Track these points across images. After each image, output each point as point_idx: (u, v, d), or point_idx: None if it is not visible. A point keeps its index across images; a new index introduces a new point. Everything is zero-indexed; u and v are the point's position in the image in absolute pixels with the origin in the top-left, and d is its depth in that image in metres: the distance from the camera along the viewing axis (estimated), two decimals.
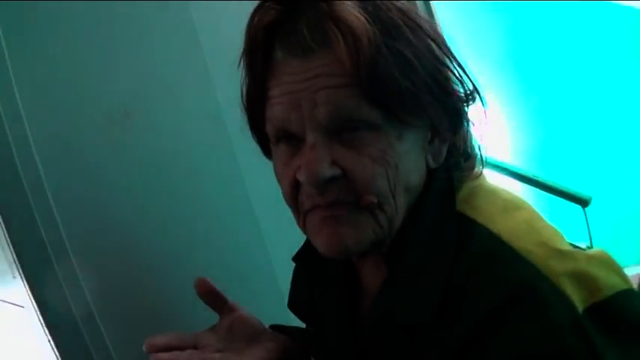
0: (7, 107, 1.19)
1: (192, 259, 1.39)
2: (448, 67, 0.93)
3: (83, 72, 1.28)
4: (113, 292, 1.22)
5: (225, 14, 1.40)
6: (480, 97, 0.99)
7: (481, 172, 1.02)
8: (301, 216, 0.95)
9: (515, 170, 4.32)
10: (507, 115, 4.87)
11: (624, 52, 4.45)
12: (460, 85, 0.95)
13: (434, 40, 0.93)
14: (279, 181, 0.96)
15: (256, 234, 1.52)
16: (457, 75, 0.95)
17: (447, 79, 0.93)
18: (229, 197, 1.50)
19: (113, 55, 1.33)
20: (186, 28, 1.49)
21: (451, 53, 0.95)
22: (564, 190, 4.16)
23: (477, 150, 1.03)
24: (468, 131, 1.00)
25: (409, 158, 0.92)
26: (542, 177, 4.29)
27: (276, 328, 1.20)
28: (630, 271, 4.64)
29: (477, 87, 0.98)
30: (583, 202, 4.11)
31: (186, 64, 1.48)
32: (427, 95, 0.89)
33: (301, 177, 0.89)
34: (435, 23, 2.62)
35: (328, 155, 0.88)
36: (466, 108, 0.97)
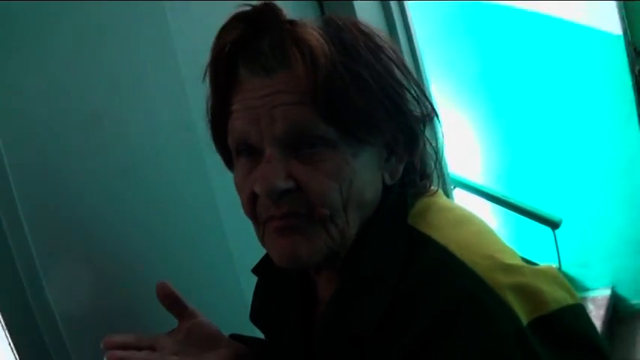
0: None
1: (158, 267, 1.38)
2: (406, 89, 0.97)
3: (55, 77, 1.27)
4: (78, 299, 1.21)
5: (201, 23, 1.41)
6: (437, 118, 1.04)
7: (436, 190, 1.06)
8: (260, 227, 0.99)
9: (485, 190, 4.37)
10: (479, 135, 4.91)
11: (599, 76, 4.50)
12: (417, 106, 0.99)
13: (394, 62, 0.98)
14: (239, 193, 1.00)
15: (222, 243, 1.52)
16: (415, 96, 0.98)
17: (404, 100, 0.97)
18: (197, 205, 1.50)
19: (86, 59, 1.32)
20: (161, 35, 1.49)
21: (411, 75, 1.00)
22: (535, 211, 4.21)
23: (433, 168, 1.07)
24: (424, 150, 1.04)
25: (364, 174, 0.96)
26: (513, 198, 4.34)
27: (236, 338, 1.23)
28: (599, 294, 4.70)
29: (435, 108, 1.03)
30: (553, 225, 4.15)
31: (160, 72, 1.47)
32: (383, 114, 0.94)
33: (257, 188, 0.93)
34: (410, 26, 2.64)
35: (284, 169, 0.92)
36: (422, 128, 1.01)
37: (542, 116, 4.69)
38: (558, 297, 0.89)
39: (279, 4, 0.97)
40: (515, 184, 4.73)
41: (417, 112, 1.00)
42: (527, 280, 0.89)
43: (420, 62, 2.76)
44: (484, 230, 1.01)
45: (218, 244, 1.53)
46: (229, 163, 1.06)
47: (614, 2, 4.44)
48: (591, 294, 4.89)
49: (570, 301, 0.91)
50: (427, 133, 1.03)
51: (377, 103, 0.93)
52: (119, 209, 1.34)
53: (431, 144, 1.05)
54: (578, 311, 0.92)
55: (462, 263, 0.90)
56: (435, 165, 1.07)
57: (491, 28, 4.69)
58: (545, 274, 0.92)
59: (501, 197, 4.34)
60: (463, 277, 0.88)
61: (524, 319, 0.85)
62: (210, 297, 1.43)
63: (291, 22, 0.94)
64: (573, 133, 4.65)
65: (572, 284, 4.40)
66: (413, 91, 0.99)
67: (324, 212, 0.93)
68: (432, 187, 1.06)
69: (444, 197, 1.08)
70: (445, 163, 2.71)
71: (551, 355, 0.84)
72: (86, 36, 1.33)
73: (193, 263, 1.47)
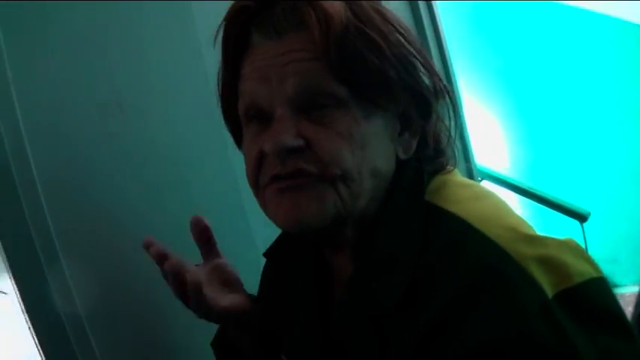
0: (1, 99, 1.18)
1: (181, 252, 1.38)
2: (418, 60, 0.97)
3: (77, 64, 1.27)
4: (98, 285, 1.21)
5: (224, 10, 1.40)
6: (449, 95, 1.02)
7: (453, 169, 1.04)
8: (261, 191, 0.97)
9: (513, 182, 4.33)
10: (507, 128, 4.88)
11: (626, 67, 4.45)
12: (429, 79, 0.98)
13: (405, 38, 0.96)
14: (245, 157, 0.98)
15: (245, 229, 1.52)
16: (428, 71, 0.98)
17: (416, 69, 0.97)
18: (221, 192, 1.50)
19: (108, 47, 1.32)
20: (184, 21, 1.49)
21: (421, 51, 0.99)
22: (562, 204, 4.15)
23: (449, 148, 1.05)
24: (438, 127, 1.04)
25: (376, 141, 0.95)
26: (540, 190, 4.29)
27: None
28: (628, 290, 4.63)
29: (447, 86, 1.01)
30: (581, 217, 4.09)
31: (182, 59, 1.47)
32: (396, 78, 0.93)
33: (266, 147, 0.91)
34: (439, 27, 2.64)
35: (294, 127, 0.90)
36: (435, 102, 1.00)
37: (570, 108, 4.65)
38: (582, 270, 0.88)
39: None
40: (543, 177, 4.70)
41: (430, 85, 0.99)
42: (551, 252, 0.87)
43: (448, 63, 2.75)
44: (502, 204, 0.99)
45: (241, 228, 1.52)
46: (239, 140, 1.05)
47: None
48: (620, 290, 4.83)
49: (594, 274, 0.89)
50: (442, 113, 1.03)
51: (390, 66, 0.92)
52: (142, 197, 1.34)
53: (444, 122, 1.04)
54: (601, 285, 0.89)
55: (483, 235, 0.88)
56: (449, 142, 1.05)
57: (518, 21, 4.66)
58: (569, 246, 0.91)
59: (528, 189, 4.29)
60: (485, 248, 0.87)
61: (550, 292, 0.83)
62: None
63: None
64: (602, 124, 4.60)
65: None
66: (425, 66, 0.98)
67: (335, 171, 0.91)
68: (449, 167, 1.04)
69: (460, 175, 1.06)
70: (472, 155, 2.69)
71: (576, 329, 0.82)
72: (108, 24, 1.33)
73: None
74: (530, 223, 0.96)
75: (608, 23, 4.44)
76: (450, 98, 1.03)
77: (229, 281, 1.17)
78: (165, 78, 1.42)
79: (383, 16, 0.96)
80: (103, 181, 1.28)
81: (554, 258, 0.86)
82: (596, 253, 3.73)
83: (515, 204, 4.77)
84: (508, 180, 4.35)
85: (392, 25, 0.96)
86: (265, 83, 0.92)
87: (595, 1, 4.44)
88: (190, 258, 1.37)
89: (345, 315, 0.98)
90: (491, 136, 4.86)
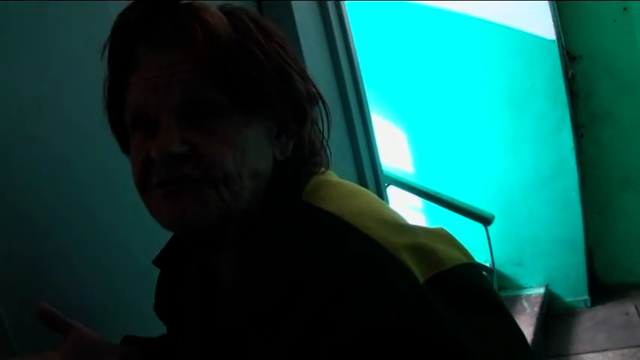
0: None
1: (99, 255, 1.39)
2: (294, 69, 1.04)
3: None
4: (19, 290, 1.21)
5: None
6: (321, 101, 1.10)
7: (326, 170, 1.12)
8: (147, 193, 1.00)
9: (418, 187, 4.40)
10: (413, 134, 4.96)
11: (534, 79, 4.61)
12: (304, 87, 1.05)
13: (282, 47, 1.03)
14: (132, 162, 1.02)
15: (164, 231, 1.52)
16: (301, 78, 1.05)
17: (293, 79, 1.03)
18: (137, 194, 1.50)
19: (26, 46, 1.28)
20: (104, 22, 1.49)
21: (296, 60, 1.06)
22: (467, 208, 4.25)
23: (323, 150, 1.13)
24: (313, 131, 1.11)
25: (256, 145, 1.01)
26: (445, 194, 4.38)
27: (129, 340, 1.29)
28: (533, 292, 4.79)
29: (319, 92, 1.09)
30: (485, 221, 4.20)
31: (103, 60, 1.47)
32: (273, 87, 1.00)
33: (153, 153, 0.94)
34: (346, 26, 2.70)
35: (180, 135, 0.95)
36: (310, 108, 1.07)
37: (476, 117, 4.74)
38: (453, 255, 0.94)
39: (217, 3, 1.02)
40: (448, 182, 4.80)
41: (304, 92, 1.06)
42: (421, 240, 0.93)
43: (355, 61, 2.79)
44: (374, 200, 1.07)
45: (157, 232, 1.53)
46: (125, 146, 1.08)
47: (549, 7, 4.53)
48: (526, 292, 4.97)
49: (465, 260, 0.95)
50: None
51: (267, 76, 0.99)
52: (59, 199, 1.32)
53: (317, 125, 1.11)
54: (473, 269, 0.96)
55: (357, 229, 0.94)
56: (322, 144, 1.13)
57: (425, 30, 4.71)
58: (439, 234, 0.97)
59: (433, 194, 4.38)
60: (358, 242, 0.93)
61: (421, 278, 0.89)
62: (150, 285, 1.43)
63: (189, 5, 0.98)
64: (508, 134, 4.72)
65: (507, 283, 4.47)
66: (300, 74, 1.05)
67: (217, 173, 0.95)
68: (322, 169, 1.11)
69: (335, 175, 1.14)
70: (379, 161, 2.74)
71: (449, 311, 0.87)
72: (26, 21, 1.31)
73: (135, 252, 1.47)
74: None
75: (516, 36, 4.55)
76: (323, 104, 1.10)
77: (92, 350, 1.18)
78: (84, 77, 1.40)
79: (261, 27, 1.02)
80: (20, 180, 1.24)
81: (425, 245, 0.93)
82: (501, 256, 3.85)
83: (421, 208, 4.91)
84: (414, 185, 4.43)
85: (270, 35, 1.02)
86: (152, 93, 0.96)
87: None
88: (109, 256, 1.39)
89: (230, 308, 1.03)
90: (397, 142, 4.97)
